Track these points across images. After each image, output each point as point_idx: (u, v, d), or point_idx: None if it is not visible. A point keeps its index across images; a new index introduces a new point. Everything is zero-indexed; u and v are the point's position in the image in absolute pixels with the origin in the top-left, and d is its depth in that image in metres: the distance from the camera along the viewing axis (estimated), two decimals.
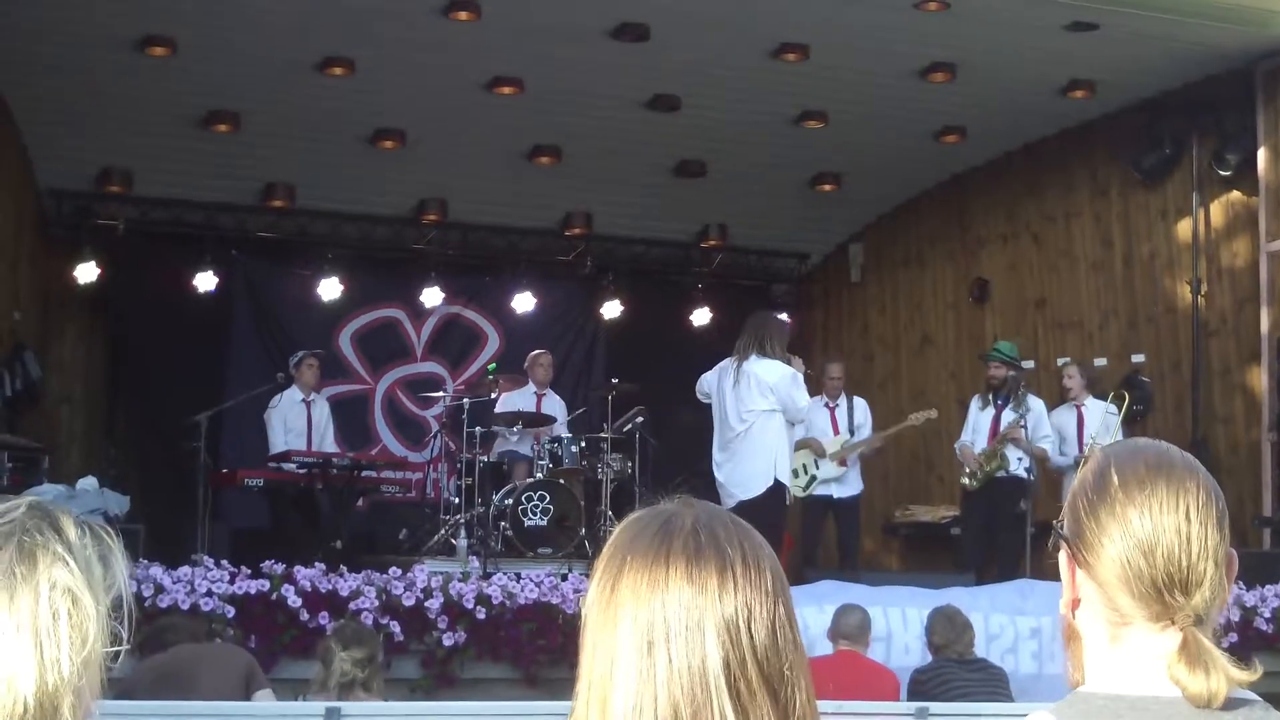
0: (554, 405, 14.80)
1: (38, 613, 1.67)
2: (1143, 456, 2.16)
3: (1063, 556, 2.20)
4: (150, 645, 7.73)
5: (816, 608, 9.69)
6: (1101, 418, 13.23)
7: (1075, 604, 2.18)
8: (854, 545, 14.05)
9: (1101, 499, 2.13)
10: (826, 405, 14.05)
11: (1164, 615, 2.07)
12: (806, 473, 13.69)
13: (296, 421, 14.20)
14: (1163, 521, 2.08)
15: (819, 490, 13.82)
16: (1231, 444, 14.30)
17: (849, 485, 13.90)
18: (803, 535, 13.81)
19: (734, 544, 1.85)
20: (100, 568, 1.74)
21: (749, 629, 1.80)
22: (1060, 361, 15.09)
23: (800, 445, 13.26)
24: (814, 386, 13.29)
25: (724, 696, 1.77)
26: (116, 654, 1.73)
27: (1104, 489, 2.14)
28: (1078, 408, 13.47)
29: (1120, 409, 13.15)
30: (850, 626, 9.00)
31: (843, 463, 13.81)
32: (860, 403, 14.32)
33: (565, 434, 13.92)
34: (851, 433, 14.03)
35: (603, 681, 1.82)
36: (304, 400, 14.30)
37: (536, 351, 15.05)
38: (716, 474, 11.72)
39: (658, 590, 1.82)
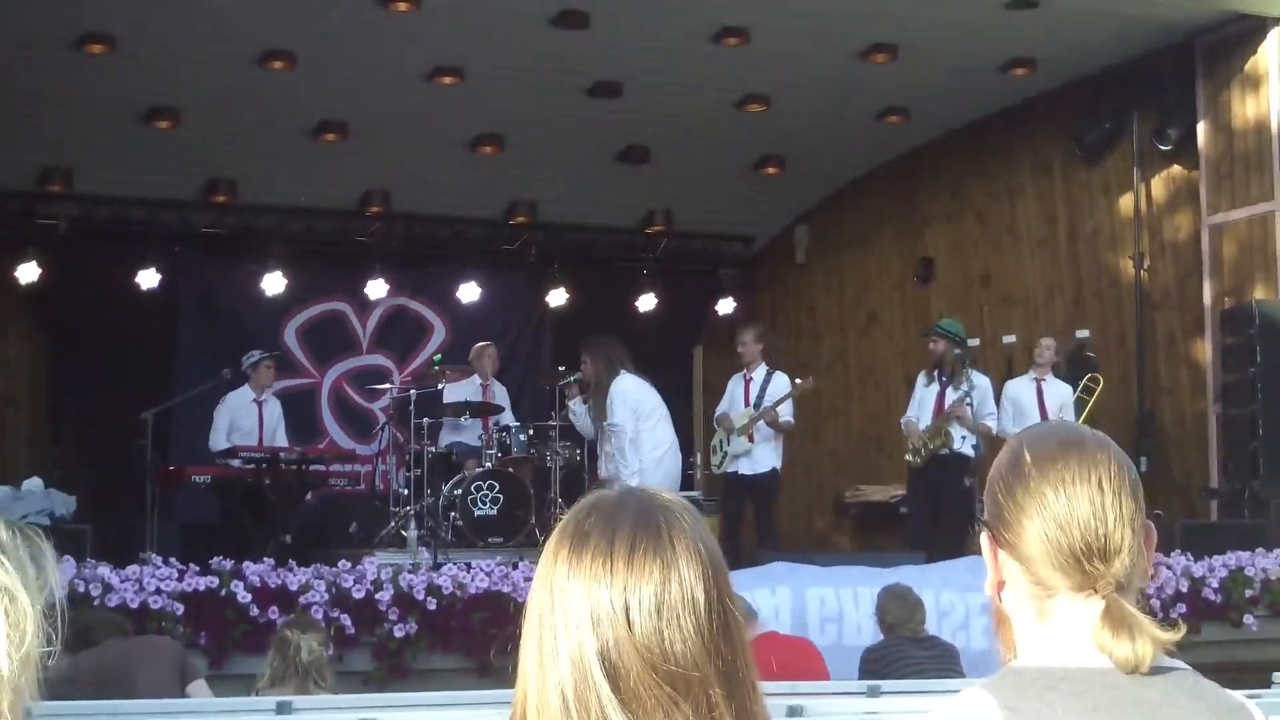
0: (500, 396, 14.81)
1: None
2: (1054, 435, 2.24)
3: (984, 540, 2.25)
4: (79, 642, 7.61)
5: (768, 590, 9.68)
6: (1064, 397, 13.23)
7: (1000, 586, 2.22)
8: (768, 522, 13.59)
9: (1017, 478, 2.19)
10: (744, 377, 13.54)
11: (1086, 584, 2.12)
12: (720, 449, 13.48)
13: (245, 421, 14.09)
14: (1076, 493, 2.14)
15: (729, 466, 13.38)
16: (1177, 415, 14.39)
17: (758, 462, 13.28)
18: (722, 514, 13.48)
19: (624, 532, 1.82)
20: (33, 568, 1.72)
21: (626, 617, 1.77)
22: (1001, 339, 15.14)
23: (716, 421, 13.56)
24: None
25: (604, 685, 1.75)
26: (49, 654, 1.72)
27: (1018, 469, 2.20)
28: (1037, 381, 13.40)
29: (1093, 394, 13.12)
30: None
31: (750, 438, 13.23)
32: (780, 377, 13.49)
33: (513, 423, 13.91)
34: (757, 406, 13.35)
35: (523, 666, 1.83)
36: (255, 400, 14.23)
37: (482, 344, 15.03)
38: None
39: (546, 576, 1.84)
